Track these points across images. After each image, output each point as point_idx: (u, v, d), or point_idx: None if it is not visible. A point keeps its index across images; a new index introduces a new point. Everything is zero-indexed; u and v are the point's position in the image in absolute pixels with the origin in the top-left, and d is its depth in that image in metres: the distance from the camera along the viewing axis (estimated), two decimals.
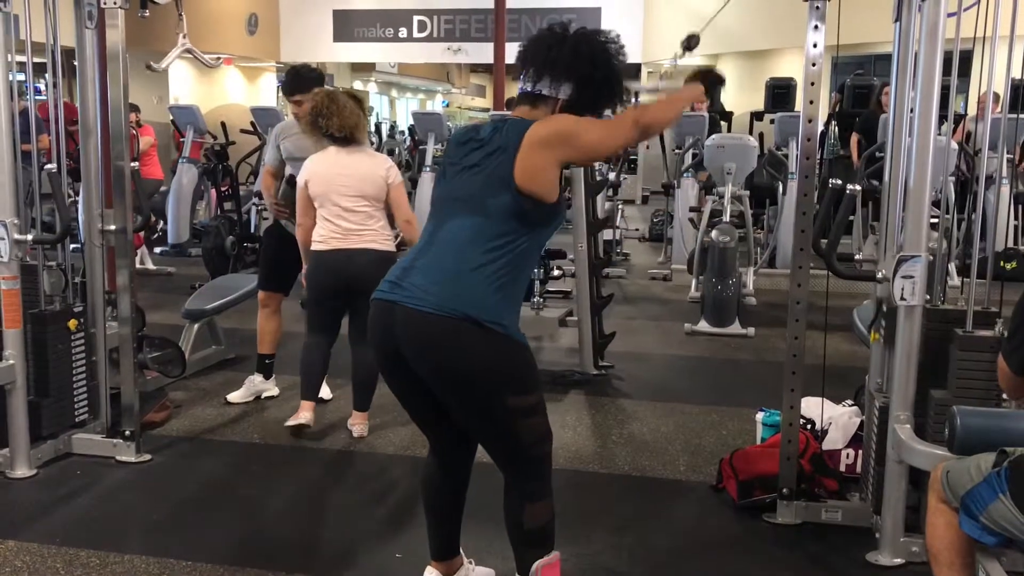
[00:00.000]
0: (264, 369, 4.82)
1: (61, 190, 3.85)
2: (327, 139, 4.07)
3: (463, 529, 2.76)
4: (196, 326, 5.30)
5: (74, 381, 3.98)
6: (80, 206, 4.33)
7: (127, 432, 3.92)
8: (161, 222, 9.53)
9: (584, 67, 2.43)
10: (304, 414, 4.24)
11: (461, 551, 2.79)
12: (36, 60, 3.88)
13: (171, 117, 10.44)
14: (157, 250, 9.41)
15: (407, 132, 16.35)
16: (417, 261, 2.43)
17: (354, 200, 4.04)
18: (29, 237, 3.69)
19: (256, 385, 4.80)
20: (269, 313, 4.77)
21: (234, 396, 4.76)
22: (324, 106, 4.01)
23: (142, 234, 7.82)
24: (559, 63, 2.43)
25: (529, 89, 2.48)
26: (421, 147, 9.85)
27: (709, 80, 2.65)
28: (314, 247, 4.10)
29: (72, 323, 3.93)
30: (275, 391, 4.84)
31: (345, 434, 4.29)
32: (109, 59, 3.82)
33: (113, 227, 3.94)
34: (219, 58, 5.09)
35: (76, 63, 4.00)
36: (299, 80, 4.59)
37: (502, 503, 2.53)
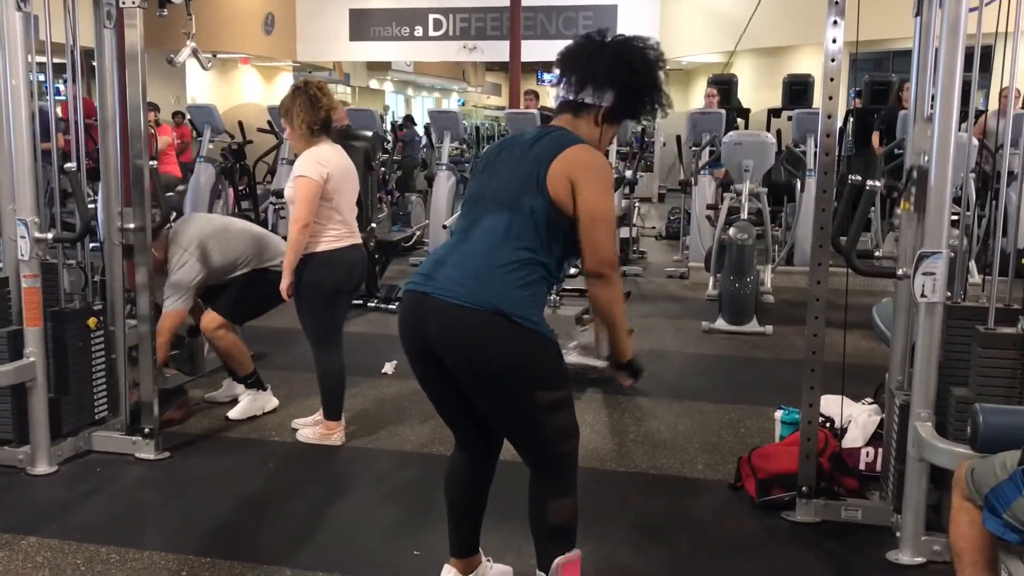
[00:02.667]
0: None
1: (81, 189, 3.87)
2: (323, 132, 4.01)
3: (482, 526, 2.75)
4: None
5: (94, 379, 4.02)
6: (99, 204, 4.35)
7: (146, 430, 3.94)
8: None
9: (624, 74, 2.45)
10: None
11: (480, 549, 2.79)
12: (56, 60, 3.90)
13: (183, 114, 10.49)
14: None
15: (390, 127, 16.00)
16: (450, 256, 2.45)
17: (355, 196, 4.08)
18: (49, 235, 3.71)
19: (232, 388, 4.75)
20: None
21: (215, 395, 4.74)
22: (326, 94, 4.00)
23: None
24: (600, 71, 2.45)
25: (572, 98, 2.50)
26: (437, 145, 9.83)
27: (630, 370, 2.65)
28: (323, 247, 3.94)
29: (92, 321, 3.96)
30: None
31: (362, 432, 4.30)
32: (128, 59, 3.83)
33: (132, 225, 3.97)
34: (211, 60, 5.06)
35: (95, 63, 4.03)
36: None
37: (523, 502, 2.52)
